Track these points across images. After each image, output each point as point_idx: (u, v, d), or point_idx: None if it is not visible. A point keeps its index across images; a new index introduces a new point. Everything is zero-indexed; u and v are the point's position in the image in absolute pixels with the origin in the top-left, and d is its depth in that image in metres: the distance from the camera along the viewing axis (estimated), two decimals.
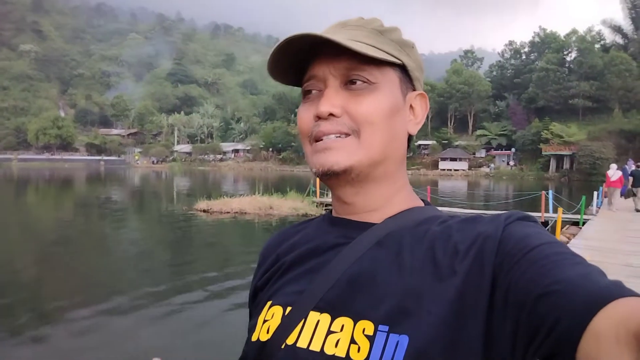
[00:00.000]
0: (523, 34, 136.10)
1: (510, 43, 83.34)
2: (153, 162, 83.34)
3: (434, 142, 66.99)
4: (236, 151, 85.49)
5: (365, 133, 0.63)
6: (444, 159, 63.92)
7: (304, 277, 0.67)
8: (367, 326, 0.57)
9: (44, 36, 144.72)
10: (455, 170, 62.03)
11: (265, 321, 0.67)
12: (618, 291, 0.43)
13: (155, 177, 50.57)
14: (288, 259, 0.71)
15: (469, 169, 62.15)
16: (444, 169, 62.59)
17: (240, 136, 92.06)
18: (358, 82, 0.63)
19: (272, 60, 0.64)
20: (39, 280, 8.47)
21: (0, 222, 15.65)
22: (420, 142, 68.09)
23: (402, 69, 0.68)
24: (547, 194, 14.73)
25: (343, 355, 0.57)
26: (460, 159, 63.44)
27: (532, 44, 79.98)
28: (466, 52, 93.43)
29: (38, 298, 7.31)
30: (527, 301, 0.48)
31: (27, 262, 9.79)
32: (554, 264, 0.49)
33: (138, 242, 12.82)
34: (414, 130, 0.70)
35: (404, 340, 0.54)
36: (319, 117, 0.64)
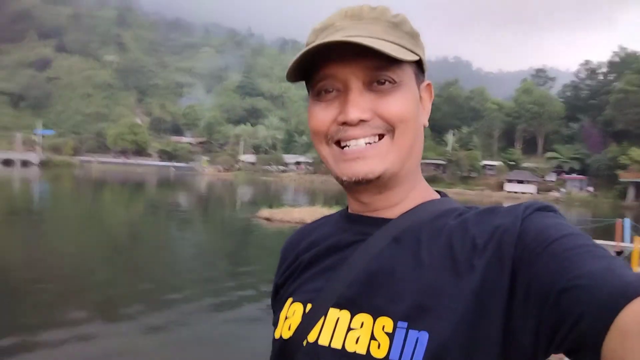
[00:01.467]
0: (600, 54, 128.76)
1: (586, 63, 79.53)
2: (219, 170, 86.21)
3: (500, 162, 64.71)
4: (298, 163, 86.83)
5: (399, 131, 0.63)
6: (510, 181, 61.40)
7: (323, 274, 0.67)
8: (387, 323, 0.57)
9: (125, 48, 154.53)
10: (523, 193, 59.30)
11: (286, 318, 0.67)
12: None
13: (220, 184, 52.29)
14: (306, 257, 0.72)
15: (537, 193, 59.22)
16: (510, 191, 60.04)
17: (303, 149, 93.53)
18: (384, 83, 0.62)
19: (295, 65, 0.62)
20: (108, 274, 9.10)
21: (78, 219, 16.87)
22: (485, 162, 65.99)
23: (417, 62, 0.66)
24: (624, 221, 13.92)
25: (364, 352, 0.57)
26: (528, 182, 60.69)
27: (611, 64, 75.80)
28: (537, 70, 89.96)
29: (106, 289, 7.86)
30: (549, 296, 0.47)
31: (99, 257, 10.53)
32: (576, 257, 0.48)
33: (202, 244, 13.39)
34: (426, 122, 0.69)
35: (424, 336, 0.54)
36: (345, 123, 0.62)
